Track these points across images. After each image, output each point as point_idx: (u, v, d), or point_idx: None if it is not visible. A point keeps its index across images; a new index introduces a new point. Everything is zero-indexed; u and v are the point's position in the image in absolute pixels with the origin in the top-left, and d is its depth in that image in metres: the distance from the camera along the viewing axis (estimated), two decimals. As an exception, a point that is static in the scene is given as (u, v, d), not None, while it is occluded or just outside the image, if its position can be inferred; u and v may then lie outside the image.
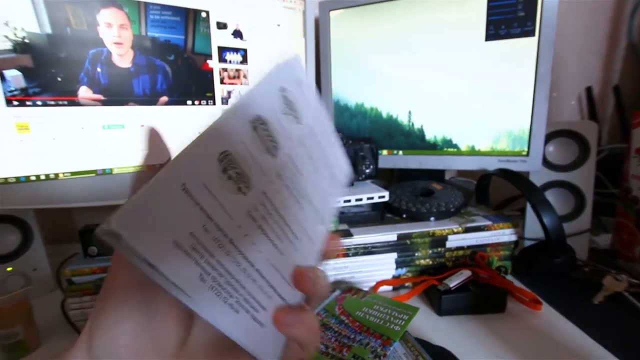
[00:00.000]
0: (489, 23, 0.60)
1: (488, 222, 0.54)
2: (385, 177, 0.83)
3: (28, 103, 0.49)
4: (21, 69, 0.48)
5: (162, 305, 0.17)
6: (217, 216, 0.16)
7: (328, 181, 0.24)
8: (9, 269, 0.53)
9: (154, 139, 0.21)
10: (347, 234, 0.52)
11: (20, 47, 0.47)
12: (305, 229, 0.21)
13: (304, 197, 0.21)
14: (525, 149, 0.62)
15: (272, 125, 0.19)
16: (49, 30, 0.49)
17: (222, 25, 0.61)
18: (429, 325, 0.45)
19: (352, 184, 0.63)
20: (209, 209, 0.16)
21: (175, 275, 0.15)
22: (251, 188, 0.18)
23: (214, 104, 0.63)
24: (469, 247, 0.54)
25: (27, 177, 0.50)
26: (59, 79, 0.50)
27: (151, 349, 0.17)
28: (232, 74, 0.64)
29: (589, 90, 0.85)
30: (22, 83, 0.48)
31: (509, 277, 0.55)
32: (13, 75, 0.47)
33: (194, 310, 0.16)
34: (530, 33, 0.58)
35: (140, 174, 0.20)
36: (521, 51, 0.59)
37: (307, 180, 0.22)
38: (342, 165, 0.26)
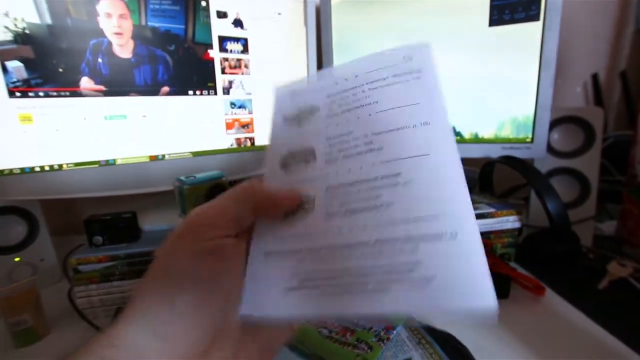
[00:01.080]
0: (492, 8, 0.59)
1: (492, 210, 0.54)
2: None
3: (30, 94, 0.49)
4: (22, 60, 0.48)
5: (181, 312, 0.18)
6: (311, 243, 0.18)
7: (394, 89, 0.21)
8: (17, 259, 0.54)
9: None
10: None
11: (21, 38, 0.47)
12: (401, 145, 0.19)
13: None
14: (530, 136, 0.61)
15: (296, 148, 0.21)
16: (49, 20, 0.49)
17: (222, 14, 0.61)
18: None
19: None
20: (300, 241, 0.19)
21: (314, 310, 0.17)
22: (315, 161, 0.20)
23: (216, 93, 0.62)
24: (472, 234, 0.54)
25: (32, 168, 0.50)
26: (61, 70, 0.50)
27: (167, 351, 0.17)
28: (233, 63, 0.63)
29: (595, 77, 0.83)
30: (23, 74, 0.48)
31: (513, 265, 0.54)
32: (15, 66, 0.47)
33: (350, 315, 0.18)
34: (535, 17, 0.57)
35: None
36: (526, 36, 0.58)
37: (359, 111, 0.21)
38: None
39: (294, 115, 0.22)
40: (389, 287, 0.16)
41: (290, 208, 0.20)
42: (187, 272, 0.18)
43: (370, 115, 0.20)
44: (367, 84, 0.21)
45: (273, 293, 0.18)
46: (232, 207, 0.20)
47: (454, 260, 0.16)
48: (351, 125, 0.20)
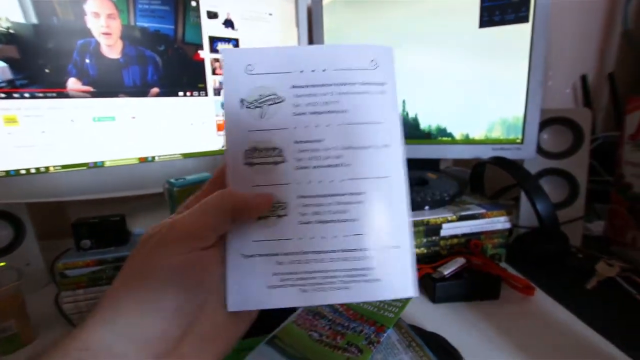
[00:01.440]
0: (482, 9, 0.59)
1: (482, 210, 0.54)
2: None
3: (15, 95, 0.48)
4: (7, 60, 0.47)
5: (159, 316, 0.18)
6: (282, 247, 0.21)
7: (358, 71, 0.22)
8: (2, 264, 0.52)
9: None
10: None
11: (6, 38, 0.46)
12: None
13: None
14: (520, 137, 0.61)
15: (261, 145, 0.21)
16: (34, 20, 0.48)
17: (212, 15, 0.60)
18: (424, 312, 0.45)
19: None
20: (275, 244, 0.20)
21: (286, 302, 0.20)
22: (284, 157, 0.21)
23: (206, 95, 0.62)
24: (463, 235, 0.54)
25: (17, 171, 0.49)
26: (47, 71, 0.49)
27: (143, 353, 0.17)
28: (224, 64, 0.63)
29: (583, 78, 0.85)
30: (8, 75, 0.47)
31: (503, 265, 0.55)
32: (-1, 66, 0.46)
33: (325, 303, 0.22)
34: (524, 19, 0.57)
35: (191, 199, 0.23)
36: (515, 37, 0.58)
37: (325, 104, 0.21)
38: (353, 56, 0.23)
39: (254, 101, 0.21)
40: (350, 286, 0.20)
41: (264, 213, 0.21)
42: (166, 282, 0.18)
43: (339, 125, 0.21)
44: (335, 85, 0.22)
45: (256, 290, 0.20)
46: (210, 218, 0.20)
47: (395, 267, 0.21)
48: (321, 132, 0.21)
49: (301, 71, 0.22)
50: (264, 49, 0.22)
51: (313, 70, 0.22)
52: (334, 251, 0.21)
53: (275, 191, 0.21)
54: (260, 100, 0.21)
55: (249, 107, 0.21)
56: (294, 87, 0.22)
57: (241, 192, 0.21)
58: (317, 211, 0.21)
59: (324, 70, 0.22)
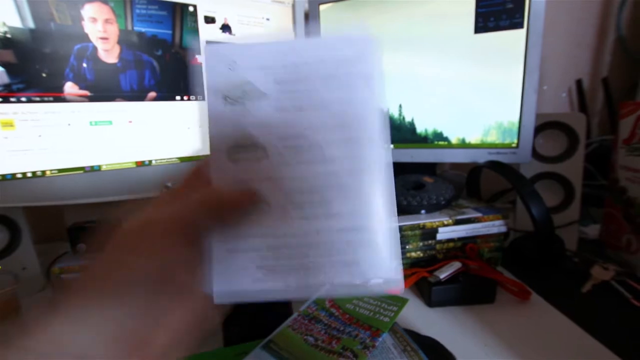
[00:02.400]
0: (477, 15, 0.60)
1: (478, 214, 0.55)
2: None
3: (12, 99, 0.48)
4: (4, 64, 0.47)
5: (131, 313, 0.18)
6: (274, 240, 0.21)
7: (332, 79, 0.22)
8: (-3, 268, 0.52)
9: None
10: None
11: (2, 42, 0.46)
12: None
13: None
14: (515, 141, 0.62)
15: (244, 141, 0.21)
16: (31, 25, 0.48)
17: (210, 20, 0.61)
18: (420, 316, 0.45)
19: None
20: (258, 239, 0.21)
21: (278, 293, 0.20)
22: (266, 150, 0.21)
23: (204, 99, 0.62)
24: (459, 239, 0.55)
25: (13, 175, 0.49)
26: (44, 75, 0.49)
27: (109, 349, 0.17)
28: (221, 68, 0.63)
29: (579, 83, 0.85)
30: (5, 79, 0.47)
31: (499, 269, 0.55)
32: (-4, 71, 0.47)
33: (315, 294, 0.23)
34: (519, 25, 0.58)
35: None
36: (510, 43, 0.59)
37: (309, 99, 0.21)
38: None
39: (237, 98, 0.21)
40: (334, 281, 0.21)
41: (248, 210, 0.21)
42: (141, 280, 0.18)
43: (321, 121, 0.21)
44: (318, 79, 0.21)
45: (240, 283, 0.21)
46: (195, 215, 0.20)
47: (379, 263, 0.21)
48: (303, 128, 0.21)
49: (284, 66, 0.21)
50: (246, 45, 0.22)
51: (295, 65, 0.21)
52: (316, 246, 0.21)
53: (258, 187, 0.21)
54: (243, 97, 0.21)
55: (232, 104, 0.21)
56: (276, 82, 0.21)
57: (226, 190, 0.21)
58: (299, 206, 0.21)
59: (306, 64, 0.21)
